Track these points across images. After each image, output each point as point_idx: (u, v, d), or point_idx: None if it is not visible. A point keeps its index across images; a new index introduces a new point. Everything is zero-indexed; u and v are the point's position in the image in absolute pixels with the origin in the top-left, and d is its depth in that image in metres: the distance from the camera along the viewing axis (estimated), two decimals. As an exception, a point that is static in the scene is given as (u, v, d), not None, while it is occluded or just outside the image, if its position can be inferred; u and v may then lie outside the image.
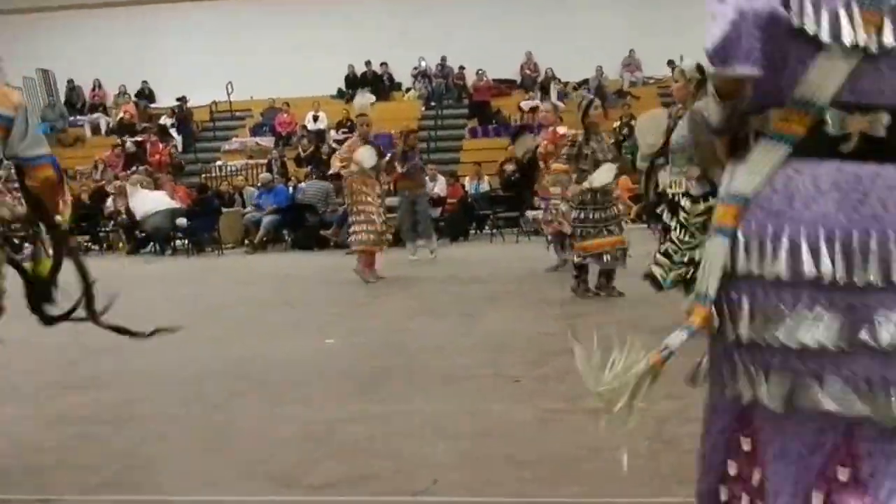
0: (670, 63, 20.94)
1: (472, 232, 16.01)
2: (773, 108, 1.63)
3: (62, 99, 23.39)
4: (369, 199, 8.94)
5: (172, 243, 15.36)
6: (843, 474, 1.58)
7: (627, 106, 18.49)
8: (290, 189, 16.14)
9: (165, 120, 21.51)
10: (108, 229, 16.59)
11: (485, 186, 16.25)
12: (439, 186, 15.29)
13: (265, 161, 18.70)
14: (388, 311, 7.21)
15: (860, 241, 1.53)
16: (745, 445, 1.72)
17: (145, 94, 23.15)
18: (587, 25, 21.28)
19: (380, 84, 22.54)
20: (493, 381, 4.53)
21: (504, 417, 3.81)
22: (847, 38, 1.55)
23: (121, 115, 22.01)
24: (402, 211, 11.36)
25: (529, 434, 3.53)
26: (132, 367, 5.35)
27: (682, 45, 20.32)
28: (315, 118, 20.89)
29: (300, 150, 19.22)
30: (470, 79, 21.67)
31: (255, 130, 21.50)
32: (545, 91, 21.48)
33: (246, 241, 15.32)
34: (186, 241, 15.23)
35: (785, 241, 1.57)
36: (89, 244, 16.76)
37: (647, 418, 3.24)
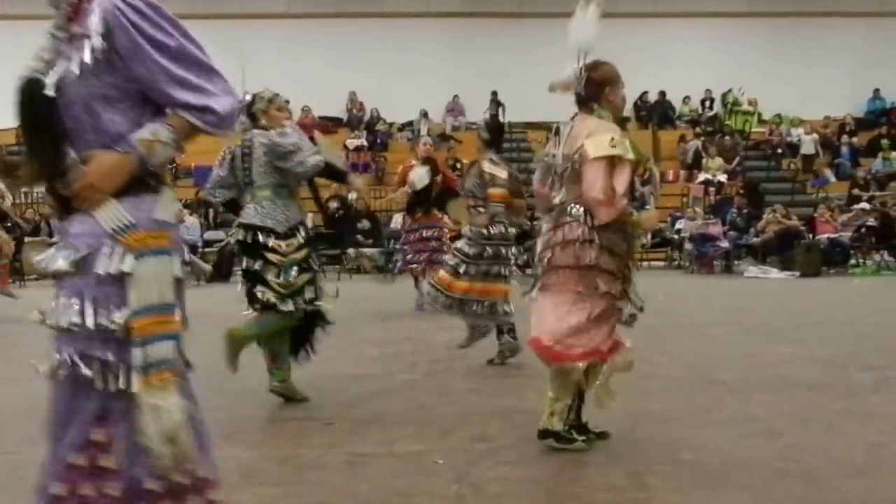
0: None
1: (294, 269, 15.74)
2: None
3: None
4: None
5: (-33, 274, 14.25)
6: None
7: (451, 149, 18.88)
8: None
9: (-35, 141, 20.07)
10: None
11: (308, 223, 16.01)
12: (261, 222, 14.99)
13: (76, 189, 17.77)
14: (201, 352, 6.93)
15: None
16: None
17: (-57, 113, 21.52)
18: (413, 69, 21.79)
19: (203, 116, 22.03)
20: (306, 425, 4.45)
21: (315, 463, 3.75)
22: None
23: (-87, 133, 20.34)
24: None
25: (340, 479, 3.48)
26: None
27: (507, 92, 21.25)
28: (130, 146, 20.09)
29: (114, 178, 18.36)
30: (295, 114, 21.52)
31: (67, 156, 20.39)
32: (370, 131, 21.74)
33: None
34: (-17, 272, 14.17)
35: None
36: None
37: (455, 462, 3.24)
